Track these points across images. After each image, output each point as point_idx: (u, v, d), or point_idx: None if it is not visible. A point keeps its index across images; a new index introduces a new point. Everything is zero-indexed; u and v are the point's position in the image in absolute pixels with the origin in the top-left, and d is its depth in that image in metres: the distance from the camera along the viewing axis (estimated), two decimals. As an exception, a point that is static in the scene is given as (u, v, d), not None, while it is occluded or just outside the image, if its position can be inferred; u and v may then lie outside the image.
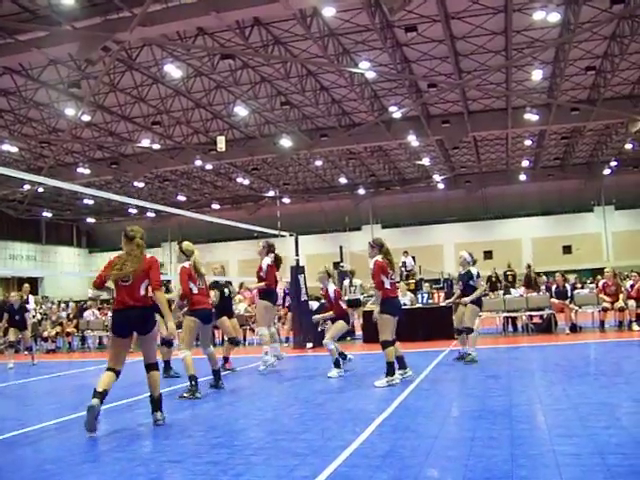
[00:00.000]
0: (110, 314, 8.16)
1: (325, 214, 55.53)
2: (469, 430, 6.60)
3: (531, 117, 32.78)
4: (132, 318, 7.52)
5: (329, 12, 22.43)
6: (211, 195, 55.27)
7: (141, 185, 48.84)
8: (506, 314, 18.90)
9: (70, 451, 6.62)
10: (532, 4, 23.66)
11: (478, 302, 12.16)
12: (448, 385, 10.00)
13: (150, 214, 55.97)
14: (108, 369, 7.47)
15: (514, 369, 11.12)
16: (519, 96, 32.61)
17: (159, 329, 9.25)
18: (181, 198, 53.28)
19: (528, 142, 42.74)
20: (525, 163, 48.72)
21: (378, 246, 10.36)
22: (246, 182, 49.99)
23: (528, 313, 18.45)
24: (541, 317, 18.65)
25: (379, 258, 10.23)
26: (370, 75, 29.35)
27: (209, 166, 43.36)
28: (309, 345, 17.55)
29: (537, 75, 28.76)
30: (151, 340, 7.90)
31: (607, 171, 49.45)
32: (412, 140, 38.07)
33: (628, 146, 43.78)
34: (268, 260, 12.55)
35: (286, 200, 53.61)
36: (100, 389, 7.25)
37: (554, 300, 18.08)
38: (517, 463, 5.20)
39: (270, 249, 12.76)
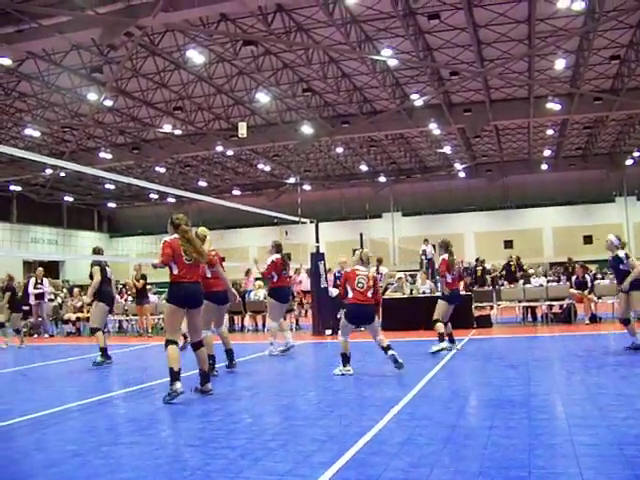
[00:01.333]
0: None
1: (345, 201, 55.54)
2: (487, 419, 6.62)
3: (553, 106, 32.57)
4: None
5: (352, -1, 22.39)
6: (232, 181, 55.35)
7: (162, 170, 48.94)
8: (526, 304, 18.88)
9: (91, 434, 6.70)
10: (557, -8, 23.45)
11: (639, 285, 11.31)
12: (466, 374, 10.03)
13: (171, 199, 56.08)
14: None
15: (533, 359, 11.11)
16: (541, 85, 32.42)
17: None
18: (202, 184, 53.34)
19: (550, 131, 42.50)
20: (547, 152, 48.42)
21: (445, 245, 12.76)
22: (267, 168, 50.02)
23: (548, 303, 18.42)
24: (561, 307, 18.64)
25: (445, 256, 12.43)
26: (392, 62, 29.23)
27: (230, 152, 43.35)
28: (328, 332, 17.59)
29: (560, 64, 28.53)
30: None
31: (629, 161, 49.06)
32: (433, 128, 37.96)
33: (651, 136, 43.42)
34: (272, 257, 13.02)
35: (307, 187, 53.64)
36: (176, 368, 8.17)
37: (573, 290, 18.04)
38: (534, 453, 5.20)
39: (278, 249, 13.21)
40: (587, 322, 17.40)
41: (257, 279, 22.48)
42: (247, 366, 11.67)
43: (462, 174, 52.42)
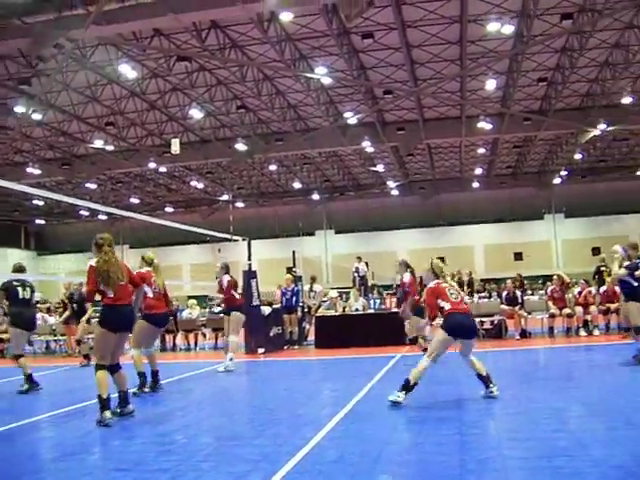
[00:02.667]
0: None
1: (279, 219, 55.46)
2: (419, 435, 6.64)
3: (484, 126, 33.11)
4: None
5: (287, 17, 22.39)
6: (165, 198, 54.79)
7: (93, 187, 48.20)
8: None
9: (10, 462, 6.48)
10: (487, 15, 23.90)
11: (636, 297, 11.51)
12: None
13: (102, 216, 55.26)
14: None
15: (464, 375, 11.16)
16: (473, 105, 32.93)
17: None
18: (134, 201, 52.63)
19: (481, 150, 43.16)
20: (478, 171, 49.19)
21: (405, 264, 13.15)
22: (200, 185, 49.67)
23: (479, 319, 18.60)
24: (492, 323, 18.85)
25: (408, 276, 13.01)
26: (326, 81, 29.37)
27: (163, 169, 42.90)
28: (261, 350, 17.48)
29: (491, 85, 29.05)
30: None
31: (557, 180, 50.14)
32: (367, 146, 38.20)
33: (578, 156, 44.45)
34: (227, 277, 13.79)
35: (240, 204, 53.42)
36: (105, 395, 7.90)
37: (504, 306, 18.28)
38: (466, 468, 5.25)
39: (227, 270, 14.05)
40: (517, 337, 17.67)
41: (190, 297, 22.30)
42: (180, 386, 11.53)
43: (395, 192, 52.82)
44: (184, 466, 5.75)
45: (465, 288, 20.55)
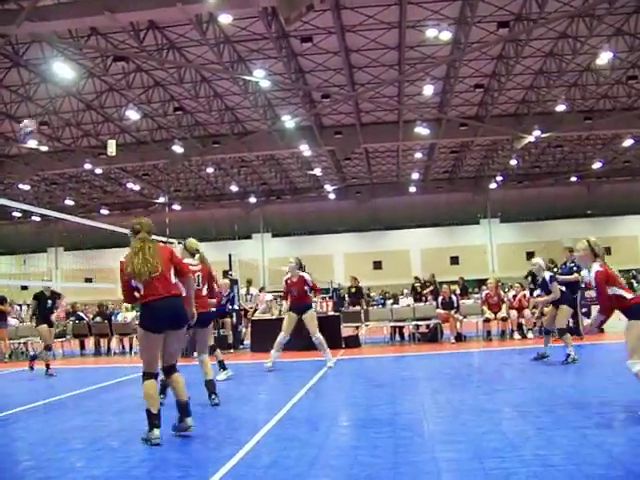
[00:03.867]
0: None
1: (215, 222, 55.16)
2: (353, 439, 6.64)
3: (422, 131, 33.41)
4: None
5: (226, 19, 22.29)
6: (100, 200, 54.03)
7: (26, 188, 47.26)
8: (393, 324, 19.15)
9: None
10: (425, 22, 24.14)
11: (568, 301, 12.48)
12: (334, 394, 10.02)
13: (36, 218, 54.28)
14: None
15: (400, 378, 11.25)
16: (410, 110, 33.24)
17: None
18: (69, 202, 51.71)
19: (418, 155, 43.57)
20: (415, 175, 49.62)
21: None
22: (136, 188, 49.16)
23: (415, 323, 18.73)
24: (427, 327, 18.99)
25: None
26: (264, 84, 29.32)
27: (99, 170, 42.29)
28: (196, 355, 17.31)
29: (428, 90, 29.32)
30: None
31: (493, 185, 50.91)
32: (304, 150, 38.23)
33: (513, 162, 45.24)
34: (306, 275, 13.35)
35: (177, 207, 52.96)
36: (155, 410, 6.93)
37: (440, 310, 18.43)
38: (399, 471, 5.26)
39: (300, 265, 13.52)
40: (453, 341, 17.83)
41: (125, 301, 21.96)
42: (115, 390, 11.35)
43: (332, 196, 52.97)
44: (114, 472, 5.64)
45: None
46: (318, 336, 12.95)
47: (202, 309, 8.92)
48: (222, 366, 11.72)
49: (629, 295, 7.30)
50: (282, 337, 13.20)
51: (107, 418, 8.72)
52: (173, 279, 7.13)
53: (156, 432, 6.69)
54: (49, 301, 14.48)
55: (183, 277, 7.38)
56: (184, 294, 7.29)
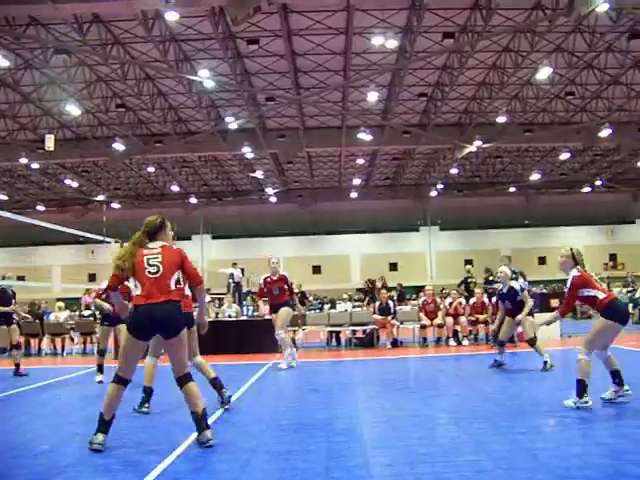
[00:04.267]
0: None
1: (155, 222, 54.51)
2: (287, 444, 6.62)
3: (365, 137, 33.55)
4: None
5: (172, 17, 22.00)
6: (36, 196, 52.91)
7: (-43, 180, 46.17)
8: (330, 328, 19.18)
9: None
10: (372, 29, 24.28)
11: (530, 313, 12.91)
12: (269, 398, 9.98)
13: (-32, 212, 52.80)
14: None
15: (335, 383, 11.27)
16: (354, 116, 33.37)
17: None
18: (2, 197, 50.44)
19: (361, 161, 43.77)
20: (357, 181, 49.81)
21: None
22: (75, 184, 48.26)
23: (352, 328, 18.80)
24: (364, 332, 19.08)
25: None
26: (209, 84, 29.13)
27: (35, 165, 41.35)
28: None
29: (373, 97, 29.45)
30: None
31: (434, 193, 51.34)
32: (247, 152, 38.08)
33: (454, 170, 45.74)
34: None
35: (116, 205, 52.24)
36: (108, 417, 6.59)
37: (377, 316, 18.53)
38: (331, 476, 5.30)
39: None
40: (389, 347, 17.94)
41: (59, 300, 21.64)
42: (45, 392, 11.16)
43: (274, 199, 52.86)
44: (42, 477, 5.54)
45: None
46: (281, 332, 13.07)
47: (186, 309, 8.35)
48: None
49: (602, 295, 7.94)
50: (282, 334, 13.32)
51: (36, 421, 8.55)
52: (173, 285, 6.76)
53: (99, 437, 6.38)
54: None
55: (194, 287, 7.24)
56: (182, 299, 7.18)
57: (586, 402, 7.69)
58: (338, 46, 26.23)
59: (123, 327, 12.04)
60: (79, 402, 10.33)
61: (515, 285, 12.51)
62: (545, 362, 11.60)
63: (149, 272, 6.67)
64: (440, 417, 7.93)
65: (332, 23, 24.36)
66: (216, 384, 8.65)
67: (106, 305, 12.12)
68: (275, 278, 13.30)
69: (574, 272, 8.15)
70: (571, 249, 8.35)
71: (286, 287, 13.47)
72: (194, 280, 7.08)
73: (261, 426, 7.58)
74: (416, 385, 10.96)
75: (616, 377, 8.02)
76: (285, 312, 13.22)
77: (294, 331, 19.12)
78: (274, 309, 13.43)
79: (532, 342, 11.87)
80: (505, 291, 12.48)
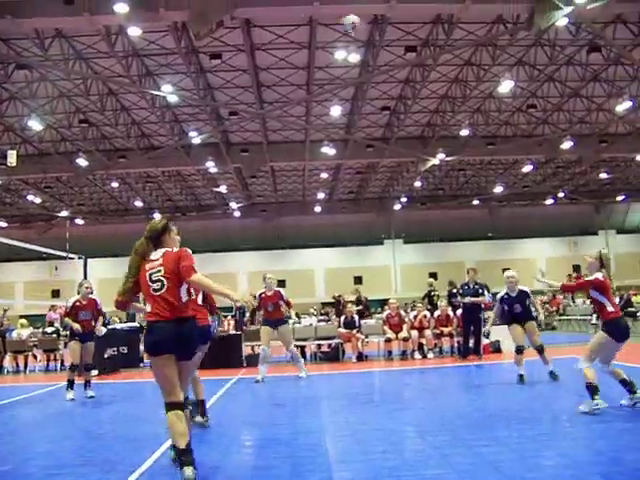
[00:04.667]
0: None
1: (119, 237, 54.18)
2: (251, 459, 6.64)
3: (328, 151, 33.63)
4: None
5: (135, 32, 21.92)
6: (-2, 212, 52.43)
7: None
8: (295, 342, 19.13)
9: None
10: (335, 43, 24.39)
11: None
12: (234, 414, 9.95)
13: None
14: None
15: (300, 397, 11.26)
16: (317, 130, 33.44)
17: None
18: (-37, 213, 50.03)
19: (324, 175, 43.79)
20: (321, 195, 49.83)
21: None
22: (38, 200, 47.77)
23: (317, 342, 18.79)
24: (329, 346, 19.08)
25: None
26: (172, 99, 29.05)
27: (-3, 181, 41.04)
28: (94, 372, 16.93)
29: (336, 111, 29.56)
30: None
31: (398, 206, 51.50)
32: (211, 167, 37.98)
33: (417, 183, 45.93)
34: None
35: (79, 221, 51.79)
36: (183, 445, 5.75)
37: (342, 330, 18.55)
38: (294, 490, 5.28)
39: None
40: (354, 360, 17.95)
41: (22, 317, 21.41)
42: (7, 411, 11.01)
43: (237, 213, 52.71)
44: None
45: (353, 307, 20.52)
46: (292, 349, 13.50)
47: (201, 322, 7.99)
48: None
49: (610, 308, 8.23)
50: (265, 350, 13.82)
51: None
52: (184, 296, 6.17)
53: (188, 471, 5.59)
54: None
55: (186, 283, 6.23)
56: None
57: (597, 405, 7.89)
58: (301, 60, 26.31)
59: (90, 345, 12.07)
60: (42, 420, 10.21)
61: (525, 288, 12.38)
62: (551, 372, 11.59)
63: (153, 290, 6.08)
64: (405, 430, 7.95)
65: (295, 37, 24.44)
66: (201, 407, 8.53)
67: (75, 325, 12.05)
68: (270, 294, 13.57)
69: (598, 275, 8.39)
70: (600, 252, 8.62)
71: (281, 303, 13.96)
72: (182, 275, 6.13)
73: (226, 441, 7.57)
74: (381, 399, 10.98)
75: (627, 385, 8.26)
76: (288, 331, 14.14)
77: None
78: (269, 323, 13.67)
79: (541, 349, 11.84)
80: (514, 295, 12.25)
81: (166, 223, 6.80)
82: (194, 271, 6.18)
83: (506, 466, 5.79)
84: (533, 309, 12.67)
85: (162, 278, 6.11)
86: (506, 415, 8.44)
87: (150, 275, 6.18)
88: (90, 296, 12.48)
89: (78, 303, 12.31)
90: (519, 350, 11.82)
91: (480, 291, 16.73)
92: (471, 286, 16.98)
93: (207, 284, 6.26)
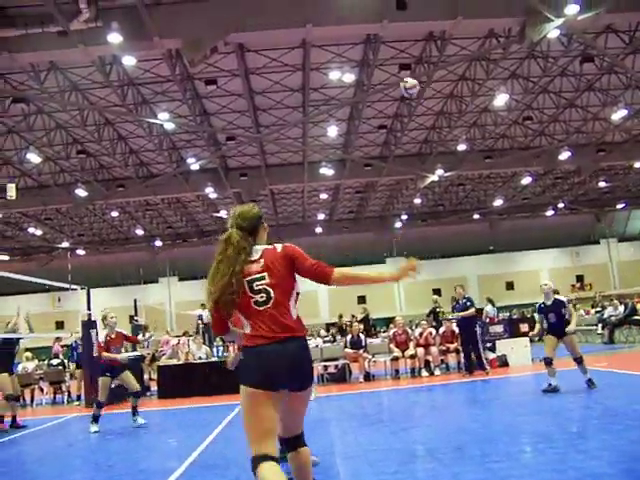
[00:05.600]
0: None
1: (121, 266, 54.22)
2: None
3: (327, 172, 33.69)
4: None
5: (129, 61, 22.06)
6: (-1, 245, 52.46)
7: None
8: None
9: None
10: (329, 64, 24.50)
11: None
12: (243, 439, 9.88)
13: None
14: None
15: (309, 420, 11.16)
16: (315, 151, 33.53)
17: None
18: (-35, 248, 50.03)
19: (324, 196, 43.88)
20: (321, 216, 49.91)
21: None
22: (38, 232, 47.83)
23: (323, 363, 18.72)
24: (336, 367, 19.00)
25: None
26: (169, 126, 29.14)
27: (-2, 214, 41.08)
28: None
29: (332, 131, 29.64)
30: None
31: (398, 224, 51.56)
32: (210, 192, 38.04)
33: (417, 200, 46.04)
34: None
35: (81, 252, 51.84)
36: None
37: (348, 350, 18.48)
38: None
39: None
40: (361, 380, 17.88)
41: (26, 350, 21.38)
42: (16, 445, 10.97)
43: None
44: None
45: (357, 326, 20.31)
46: None
47: None
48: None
49: None
50: None
51: (8, 474, 8.39)
52: (293, 310, 4.71)
53: None
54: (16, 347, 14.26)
55: (328, 281, 4.78)
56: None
57: None
58: (296, 83, 26.39)
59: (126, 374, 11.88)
60: (51, 453, 10.16)
61: (562, 298, 12.16)
62: (589, 380, 11.27)
63: (256, 303, 4.59)
64: (415, 449, 7.89)
65: (289, 60, 24.51)
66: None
67: (119, 356, 11.97)
68: (113, 336, 12.91)
69: None
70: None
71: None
72: (321, 277, 4.78)
73: (237, 468, 7.50)
74: (389, 418, 10.92)
75: None
76: None
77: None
78: None
79: (580, 360, 11.50)
80: (549, 303, 11.90)
81: (260, 210, 5.19)
82: (330, 266, 4.78)
83: (518, 482, 5.75)
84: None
85: (267, 288, 4.61)
86: (515, 430, 8.38)
87: (251, 284, 4.63)
88: (116, 329, 12.25)
89: (109, 338, 12.11)
90: (546, 362, 11.56)
91: (468, 304, 16.76)
92: (460, 302, 17.04)
93: (355, 275, 4.95)
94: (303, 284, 4.53)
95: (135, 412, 11.99)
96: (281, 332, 4.50)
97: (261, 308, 4.55)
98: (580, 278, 55.61)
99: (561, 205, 49.80)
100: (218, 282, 4.67)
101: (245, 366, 4.62)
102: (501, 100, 27.63)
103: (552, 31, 19.44)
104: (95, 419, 11.66)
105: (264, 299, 4.56)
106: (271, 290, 4.58)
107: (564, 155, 34.14)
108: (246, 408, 4.63)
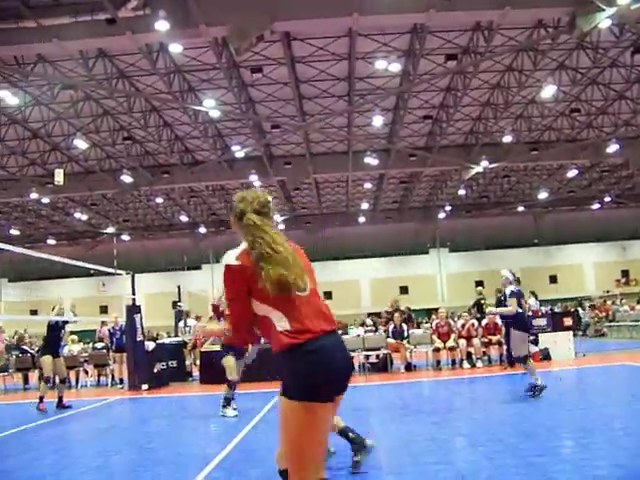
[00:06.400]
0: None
1: (165, 252, 54.67)
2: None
3: (371, 161, 33.58)
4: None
5: (176, 49, 22.20)
6: (47, 230, 53.09)
7: (-30, 216, 46.41)
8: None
9: None
10: (375, 54, 24.40)
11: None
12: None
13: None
14: None
15: (350, 408, 11.17)
16: (360, 141, 33.44)
17: None
18: (14, 232, 50.62)
19: (368, 185, 43.77)
20: (365, 206, 49.79)
21: None
22: (84, 217, 48.37)
23: (365, 353, 18.70)
24: (377, 356, 18.99)
25: None
26: (214, 114, 29.25)
27: (45, 200, 41.58)
28: (144, 387, 17.08)
29: (378, 121, 29.51)
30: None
31: (442, 215, 51.30)
32: (254, 180, 38.13)
33: (461, 192, 45.75)
34: None
35: (125, 237, 52.38)
36: None
37: (390, 340, 18.45)
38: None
39: None
40: (403, 371, 17.86)
41: (72, 333, 21.67)
42: (59, 425, 11.11)
43: (281, 226, 52.69)
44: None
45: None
46: None
47: None
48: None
49: None
50: None
51: (49, 456, 8.50)
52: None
53: None
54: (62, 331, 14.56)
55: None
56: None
57: None
58: (341, 72, 26.33)
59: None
60: (95, 435, 10.29)
61: (506, 290, 11.93)
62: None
63: (298, 289, 3.79)
64: (456, 441, 7.87)
65: (335, 49, 24.45)
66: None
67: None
68: None
69: None
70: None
71: None
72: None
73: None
74: (431, 409, 10.87)
75: None
76: None
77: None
78: None
79: (521, 360, 11.39)
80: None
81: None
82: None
83: (561, 477, 5.69)
84: None
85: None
86: (556, 424, 8.31)
87: None
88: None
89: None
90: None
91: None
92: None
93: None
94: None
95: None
96: (327, 324, 3.71)
97: (303, 294, 3.75)
98: (625, 273, 54.83)
99: (607, 199, 49.10)
100: (294, 263, 3.84)
101: (305, 374, 3.55)
102: (548, 91, 27.27)
103: (603, 21, 19.09)
104: (227, 401, 10.90)
105: (303, 285, 3.79)
106: (305, 276, 3.86)
107: (612, 148, 33.60)
108: (305, 428, 3.54)
